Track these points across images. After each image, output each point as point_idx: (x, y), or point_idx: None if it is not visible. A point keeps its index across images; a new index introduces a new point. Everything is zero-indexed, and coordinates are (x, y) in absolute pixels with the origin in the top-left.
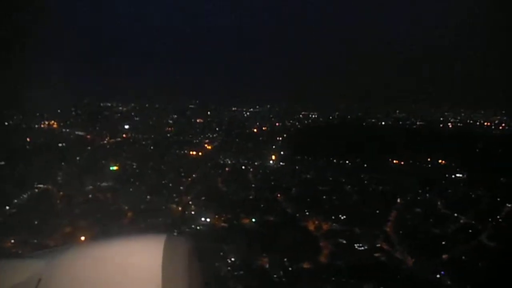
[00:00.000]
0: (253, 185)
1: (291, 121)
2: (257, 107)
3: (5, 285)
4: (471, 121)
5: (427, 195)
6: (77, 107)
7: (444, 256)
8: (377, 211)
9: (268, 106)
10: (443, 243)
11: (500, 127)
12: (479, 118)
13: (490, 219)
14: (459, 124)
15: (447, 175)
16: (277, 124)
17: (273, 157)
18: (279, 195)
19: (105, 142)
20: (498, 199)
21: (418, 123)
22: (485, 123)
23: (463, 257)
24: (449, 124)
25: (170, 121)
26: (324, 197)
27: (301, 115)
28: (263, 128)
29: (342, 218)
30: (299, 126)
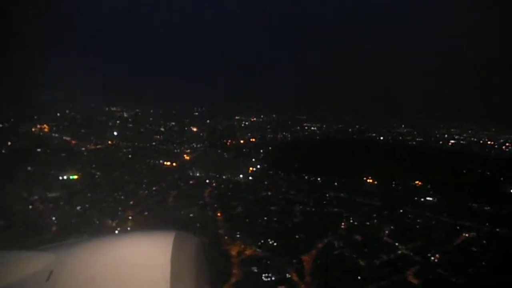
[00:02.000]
0: (201, 202)
1: (284, 133)
2: (262, 116)
3: (18, 276)
4: (475, 139)
5: (378, 220)
6: (77, 111)
7: None
8: (310, 237)
9: (274, 115)
10: (359, 277)
11: (504, 147)
12: (486, 136)
13: (431, 251)
14: (461, 142)
15: (416, 198)
16: (268, 136)
17: (249, 170)
18: (219, 214)
19: (86, 148)
20: (457, 228)
21: (418, 139)
22: (489, 142)
23: None
24: (451, 141)
25: (162, 129)
26: (266, 218)
27: (298, 127)
28: (252, 140)
29: (270, 243)
30: (289, 138)
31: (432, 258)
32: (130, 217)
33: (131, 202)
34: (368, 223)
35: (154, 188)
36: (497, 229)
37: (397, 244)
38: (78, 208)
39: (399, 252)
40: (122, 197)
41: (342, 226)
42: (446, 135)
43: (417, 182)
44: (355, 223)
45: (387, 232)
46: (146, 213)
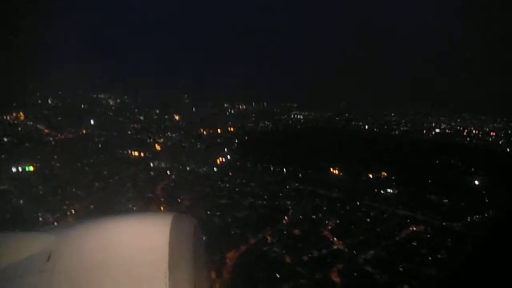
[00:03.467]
0: (150, 195)
1: (266, 122)
2: (252, 103)
3: (17, 257)
4: (461, 128)
5: (326, 214)
6: (61, 98)
7: None
8: (245, 233)
9: (265, 103)
10: (277, 275)
11: (489, 136)
12: (474, 125)
13: (368, 247)
14: (447, 131)
15: (376, 190)
16: (249, 125)
17: (217, 161)
18: (162, 208)
19: (57, 137)
20: (407, 221)
21: (402, 128)
22: (474, 131)
23: None
24: (436, 130)
25: (141, 118)
26: (209, 212)
27: (285, 116)
28: (230, 129)
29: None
30: (269, 128)
31: (365, 254)
32: (73, 211)
33: (80, 196)
34: (314, 217)
35: (110, 181)
36: (444, 223)
37: (335, 239)
38: (21, 201)
39: (334, 247)
40: (73, 189)
41: (284, 221)
42: (433, 124)
43: (383, 173)
44: (300, 217)
45: (330, 226)
46: (91, 206)
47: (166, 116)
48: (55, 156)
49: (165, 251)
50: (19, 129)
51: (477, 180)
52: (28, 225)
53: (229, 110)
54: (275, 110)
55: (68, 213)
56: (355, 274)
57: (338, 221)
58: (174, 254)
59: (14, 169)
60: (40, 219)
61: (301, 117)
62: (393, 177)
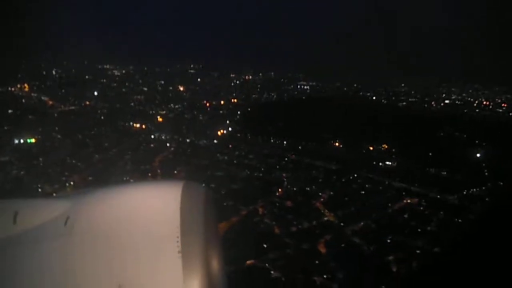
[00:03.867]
0: (147, 167)
1: (271, 93)
2: (260, 74)
3: (35, 222)
4: (471, 99)
5: (321, 186)
6: (66, 70)
7: None
8: (237, 204)
9: (272, 73)
10: (264, 245)
11: (499, 108)
12: (485, 96)
13: (359, 219)
14: (456, 102)
15: (374, 163)
16: (254, 96)
17: (218, 133)
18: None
19: (60, 109)
20: (403, 193)
21: (411, 99)
22: (485, 102)
23: None
24: (446, 101)
25: (145, 89)
26: (203, 185)
27: (291, 86)
28: (233, 101)
29: None
30: (274, 99)
31: (355, 225)
32: (71, 183)
33: (80, 167)
34: (308, 189)
35: (109, 153)
36: (438, 196)
37: (326, 211)
38: (21, 173)
39: (325, 219)
40: (73, 161)
41: (278, 193)
42: (444, 95)
43: (384, 145)
44: (294, 188)
45: (323, 198)
46: (90, 178)
47: (170, 88)
48: (56, 128)
49: (177, 216)
50: (23, 101)
51: (479, 152)
52: (28, 196)
53: (235, 81)
54: (282, 80)
55: (67, 184)
56: (342, 245)
57: (332, 193)
58: (186, 219)
59: (16, 141)
60: (39, 190)
61: (308, 87)
62: (393, 149)
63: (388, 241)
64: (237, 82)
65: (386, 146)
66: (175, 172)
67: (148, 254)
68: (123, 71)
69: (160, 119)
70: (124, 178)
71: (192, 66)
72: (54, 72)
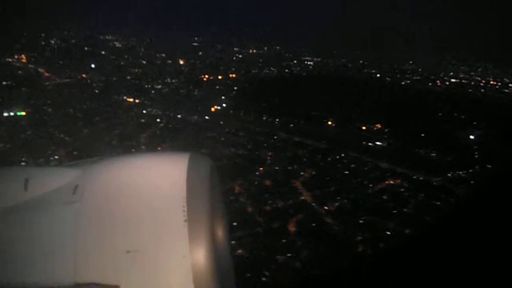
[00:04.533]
0: (133, 143)
1: (272, 69)
2: (265, 48)
3: (45, 190)
4: (478, 78)
5: (304, 165)
6: (65, 40)
7: None
8: None
9: (277, 47)
10: (234, 224)
11: (506, 89)
12: (494, 75)
13: (336, 199)
14: (463, 81)
15: (364, 142)
16: (253, 71)
17: (211, 109)
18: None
19: (55, 82)
20: (387, 174)
21: (416, 77)
22: (492, 82)
23: None
24: (452, 80)
25: (144, 62)
26: None
27: (295, 61)
28: (232, 75)
29: None
30: (274, 75)
31: (331, 206)
32: (56, 157)
33: (67, 142)
34: (290, 168)
35: (98, 127)
36: (422, 178)
37: (304, 190)
38: (7, 146)
39: (301, 198)
40: (61, 135)
41: (259, 172)
42: (452, 73)
43: (377, 125)
44: (276, 168)
45: (303, 177)
46: (75, 153)
47: (169, 61)
48: (48, 101)
49: (183, 186)
50: (19, 72)
51: (473, 134)
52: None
53: (237, 55)
54: (286, 55)
55: (51, 159)
56: (313, 224)
57: (314, 173)
58: (192, 189)
59: (5, 114)
60: (23, 163)
61: (311, 63)
62: (386, 130)
63: (361, 221)
64: (239, 56)
65: (380, 126)
66: (159, 148)
67: (155, 222)
68: (126, 43)
69: (154, 93)
70: (108, 153)
71: (196, 38)
72: (53, 42)
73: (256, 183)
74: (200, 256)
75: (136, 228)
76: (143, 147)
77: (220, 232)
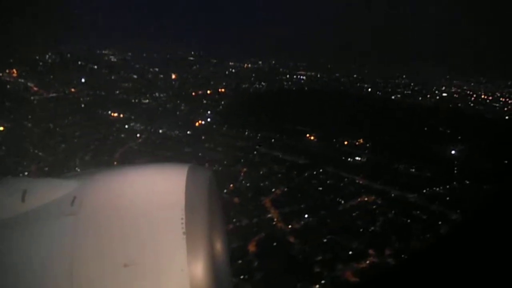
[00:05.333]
0: (106, 158)
1: (263, 83)
2: (259, 62)
3: (42, 201)
4: (470, 92)
5: (277, 181)
6: (60, 54)
7: None
8: None
9: (273, 61)
10: None
11: (496, 103)
12: (487, 89)
13: (302, 216)
14: (455, 96)
15: (343, 158)
16: (243, 86)
17: (197, 124)
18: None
19: (42, 96)
20: (362, 190)
21: (405, 92)
22: (483, 96)
23: None
24: (443, 94)
25: (135, 76)
26: None
27: (288, 76)
28: (221, 90)
29: None
30: (263, 89)
31: (296, 223)
32: (26, 173)
33: (41, 157)
34: (261, 184)
35: (76, 142)
36: (393, 194)
37: (272, 208)
38: None
39: (268, 216)
40: (36, 151)
41: (229, 188)
42: (444, 87)
43: (360, 140)
44: (248, 184)
45: (273, 194)
46: (46, 169)
47: (161, 75)
48: (29, 116)
49: (182, 198)
50: (8, 86)
51: (456, 149)
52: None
53: (230, 70)
54: (281, 69)
55: (21, 175)
56: (274, 244)
57: (285, 189)
58: (190, 201)
59: None
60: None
61: (304, 77)
62: (367, 145)
63: (324, 240)
64: (233, 70)
65: (362, 141)
66: (133, 162)
67: (153, 235)
68: (121, 57)
69: (140, 109)
70: (77, 170)
71: (193, 53)
72: (47, 57)
73: (224, 199)
74: (198, 269)
75: (134, 241)
76: (115, 163)
77: (219, 245)
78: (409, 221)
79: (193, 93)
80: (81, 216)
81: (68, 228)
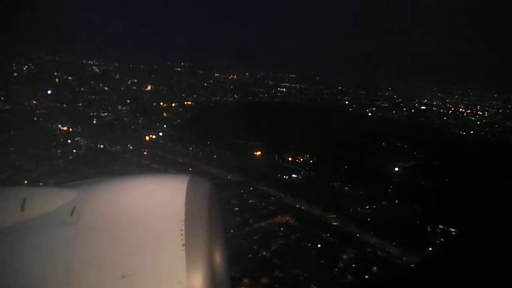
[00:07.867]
0: (34, 174)
1: (236, 96)
2: (246, 74)
3: (42, 210)
4: (450, 106)
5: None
6: (39, 65)
7: None
8: None
9: (262, 73)
10: None
11: (472, 117)
12: (468, 102)
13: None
14: (433, 108)
15: (279, 175)
16: (213, 98)
17: (147, 138)
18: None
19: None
20: (283, 209)
21: (383, 105)
22: (461, 109)
23: None
24: (422, 107)
25: (106, 88)
26: None
27: (272, 90)
28: (186, 103)
29: None
30: (234, 102)
31: None
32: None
33: None
34: None
35: (10, 157)
36: (313, 213)
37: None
38: None
39: None
40: None
41: None
42: (425, 100)
43: (306, 156)
44: None
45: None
46: None
47: (134, 87)
48: None
49: (182, 209)
50: None
51: (400, 167)
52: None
53: (210, 81)
54: (265, 81)
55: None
56: None
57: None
58: (190, 212)
59: None
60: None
61: (284, 89)
62: (311, 161)
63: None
64: (211, 82)
65: (307, 157)
66: (67, 179)
67: (152, 246)
68: (105, 68)
69: (94, 122)
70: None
71: (182, 64)
72: (25, 68)
73: None
74: (197, 282)
75: (132, 252)
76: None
77: (218, 258)
78: (309, 245)
79: (160, 106)
80: (81, 226)
81: (67, 238)
